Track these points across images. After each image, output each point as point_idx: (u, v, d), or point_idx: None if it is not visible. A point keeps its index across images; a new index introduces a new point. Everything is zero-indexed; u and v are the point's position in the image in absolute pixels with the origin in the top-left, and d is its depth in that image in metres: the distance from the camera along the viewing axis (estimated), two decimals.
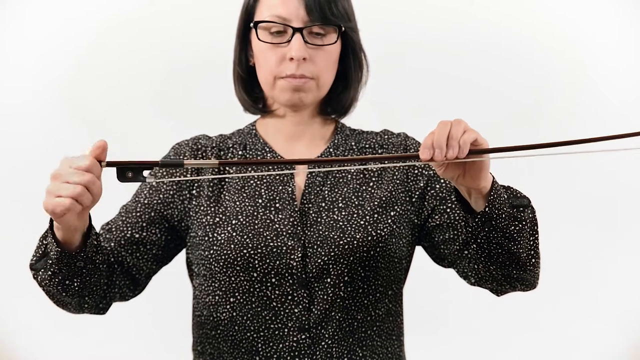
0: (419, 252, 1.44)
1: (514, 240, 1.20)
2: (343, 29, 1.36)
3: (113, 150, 2.52)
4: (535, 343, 2.45)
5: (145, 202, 1.37)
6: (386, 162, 1.37)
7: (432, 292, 2.18)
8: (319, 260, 1.31)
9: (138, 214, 1.37)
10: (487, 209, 1.17)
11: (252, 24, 1.36)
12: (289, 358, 1.31)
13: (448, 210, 1.35)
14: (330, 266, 1.31)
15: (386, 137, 1.44)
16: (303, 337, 1.31)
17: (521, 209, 1.21)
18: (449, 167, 1.14)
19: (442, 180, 1.37)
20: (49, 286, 1.23)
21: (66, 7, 2.34)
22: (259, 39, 1.35)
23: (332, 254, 1.31)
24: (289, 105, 1.38)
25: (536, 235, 1.25)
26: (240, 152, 1.41)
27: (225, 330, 1.34)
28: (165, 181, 1.37)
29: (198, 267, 1.36)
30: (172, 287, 1.82)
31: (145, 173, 1.14)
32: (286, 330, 1.31)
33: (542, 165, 2.42)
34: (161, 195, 1.38)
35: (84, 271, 1.21)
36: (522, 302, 2.44)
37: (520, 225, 1.20)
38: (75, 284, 1.22)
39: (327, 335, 1.32)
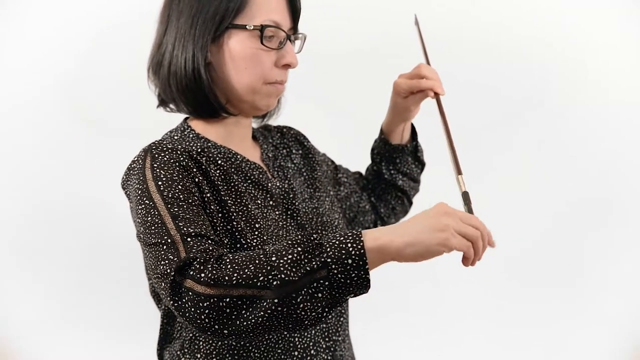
0: None
1: (421, 151, 1.62)
2: (306, 37, 1.36)
3: (112, 150, 2.54)
4: (518, 338, 2.46)
5: (197, 202, 1.22)
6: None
7: (393, 278, 2.21)
8: None
9: (202, 216, 1.21)
10: (415, 134, 1.59)
11: (250, 26, 1.27)
12: (325, 337, 1.34)
13: (348, 183, 1.58)
14: None
15: (285, 130, 1.52)
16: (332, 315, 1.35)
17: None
18: (415, 97, 1.44)
19: (342, 168, 1.61)
20: (316, 318, 1.10)
21: (66, 7, 2.34)
22: (263, 44, 1.28)
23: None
24: (263, 110, 1.34)
25: None
26: (219, 162, 1.30)
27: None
28: None
29: None
30: None
31: None
32: None
33: (541, 166, 2.42)
34: (197, 196, 1.23)
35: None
36: (507, 299, 2.45)
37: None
38: (328, 314, 1.11)
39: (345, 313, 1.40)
